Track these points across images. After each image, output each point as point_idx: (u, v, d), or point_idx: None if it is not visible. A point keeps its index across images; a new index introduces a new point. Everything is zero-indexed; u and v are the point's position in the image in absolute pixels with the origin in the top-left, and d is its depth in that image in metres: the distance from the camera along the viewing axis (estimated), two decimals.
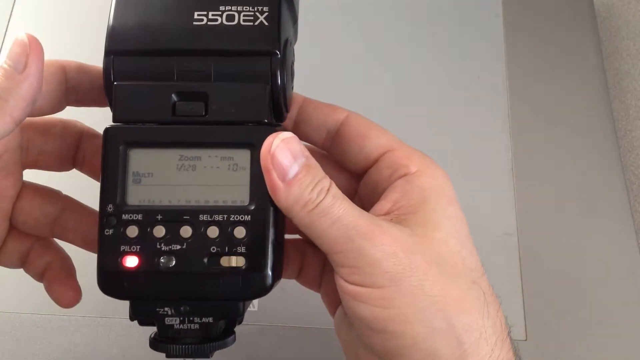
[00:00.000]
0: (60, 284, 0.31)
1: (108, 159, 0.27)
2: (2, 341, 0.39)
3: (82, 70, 0.30)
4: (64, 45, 0.52)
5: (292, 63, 0.29)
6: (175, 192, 0.26)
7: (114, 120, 0.27)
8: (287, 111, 0.28)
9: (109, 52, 0.27)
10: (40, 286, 0.36)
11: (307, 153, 0.25)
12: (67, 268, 0.32)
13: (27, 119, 0.30)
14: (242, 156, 0.26)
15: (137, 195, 0.26)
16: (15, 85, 0.26)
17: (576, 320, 0.39)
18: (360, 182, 0.30)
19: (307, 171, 0.25)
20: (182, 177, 0.26)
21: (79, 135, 0.31)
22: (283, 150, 0.25)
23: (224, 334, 0.27)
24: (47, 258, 0.32)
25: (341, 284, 0.25)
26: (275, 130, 0.26)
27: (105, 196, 0.26)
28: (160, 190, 0.26)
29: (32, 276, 0.32)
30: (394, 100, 0.49)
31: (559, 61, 0.50)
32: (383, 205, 0.27)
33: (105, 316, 0.39)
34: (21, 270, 0.32)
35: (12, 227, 0.31)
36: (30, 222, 0.31)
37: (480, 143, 0.46)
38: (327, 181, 0.25)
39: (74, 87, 0.29)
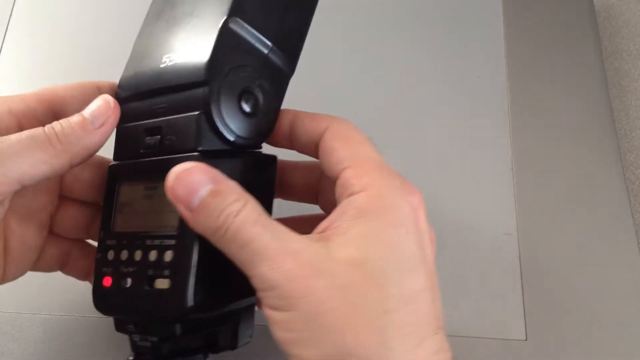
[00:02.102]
0: None
1: (105, 193, 0.30)
2: (2, 341, 0.39)
3: (115, 89, 0.32)
4: (63, 45, 0.52)
5: (260, 84, 0.29)
6: (139, 219, 0.29)
7: (113, 159, 0.31)
8: (241, 138, 0.29)
9: (118, 99, 0.30)
10: (40, 286, 0.36)
11: (219, 178, 0.25)
12: None
13: None
14: None
15: (118, 223, 0.30)
16: (86, 136, 0.28)
17: (576, 320, 0.39)
18: None
19: (213, 198, 0.25)
20: (144, 205, 0.29)
21: None
22: (182, 182, 0.25)
23: (190, 352, 0.29)
24: (90, 259, 0.33)
25: (261, 306, 0.25)
26: (219, 156, 0.27)
27: (102, 225, 0.30)
28: (131, 217, 0.29)
29: (75, 277, 0.34)
30: (393, 101, 0.49)
31: (559, 61, 0.50)
32: (322, 224, 0.26)
33: (106, 316, 0.39)
34: None
35: (51, 233, 0.32)
36: (70, 226, 0.33)
37: (480, 143, 0.46)
38: (238, 205, 0.25)
39: None
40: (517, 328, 0.39)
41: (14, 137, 0.27)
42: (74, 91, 0.31)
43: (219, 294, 0.28)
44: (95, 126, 0.28)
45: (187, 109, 0.28)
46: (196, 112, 0.27)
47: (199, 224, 0.25)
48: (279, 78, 0.30)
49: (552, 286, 0.41)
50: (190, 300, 0.26)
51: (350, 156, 0.27)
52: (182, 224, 0.26)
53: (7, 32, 0.53)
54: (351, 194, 0.26)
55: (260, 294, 0.25)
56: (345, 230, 0.25)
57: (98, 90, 0.31)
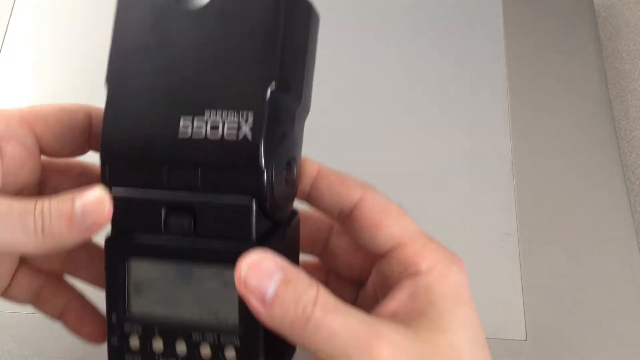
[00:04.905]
0: (90, 321, 0.32)
1: (110, 270, 0.27)
2: (2, 341, 0.39)
3: None
4: (63, 45, 0.52)
5: (296, 144, 0.28)
6: (172, 305, 0.27)
7: (112, 232, 0.27)
8: (283, 210, 0.27)
9: (103, 161, 0.27)
10: None
11: (285, 265, 0.24)
12: (88, 305, 0.32)
13: (47, 158, 0.30)
14: (232, 273, 0.25)
15: (137, 306, 0.27)
16: (70, 235, 0.26)
17: (576, 320, 0.39)
18: (374, 266, 0.29)
19: (286, 287, 0.23)
20: (177, 290, 0.27)
21: (98, 180, 0.31)
22: (254, 274, 0.23)
23: None
24: (64, 297, 0.31)
25: None
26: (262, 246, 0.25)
27: (110, 306, 0.28)
28: (158, 302, 0.27)
29: (46, 314, 0.32)
30: (394, 101, 0.49)
31: (559, 61, 0.50)
32: (390, 305, 0.26)
33: None
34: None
35: (23, 262, 0.31)
36: (42, 257, 0.31)
37: (480, 143, 0.46)
38: (312, 291, 0.23)
39: (98, 133, 0.28)
40: (517, 328, 0.39)
41: (3, 208, 0.25)
42: (60, 113, 0.29)
43: None
44: (82, 228, 0.25)
45: (228, 189, 0.25)
46: (246, 198, 0.25)
47: (275, 317, 0.23)
48: (302, 128, 0.28)
49: (552, 286, 0.41)
50: None
51: (402, 233, 0.27)
52: (247, 318, 0.25)
53: (7, 32, 0.53)
54: (417, 274, 0.26)
55: None
56: (424, 311, 0.25)
57: (88, 117, 0.29)
